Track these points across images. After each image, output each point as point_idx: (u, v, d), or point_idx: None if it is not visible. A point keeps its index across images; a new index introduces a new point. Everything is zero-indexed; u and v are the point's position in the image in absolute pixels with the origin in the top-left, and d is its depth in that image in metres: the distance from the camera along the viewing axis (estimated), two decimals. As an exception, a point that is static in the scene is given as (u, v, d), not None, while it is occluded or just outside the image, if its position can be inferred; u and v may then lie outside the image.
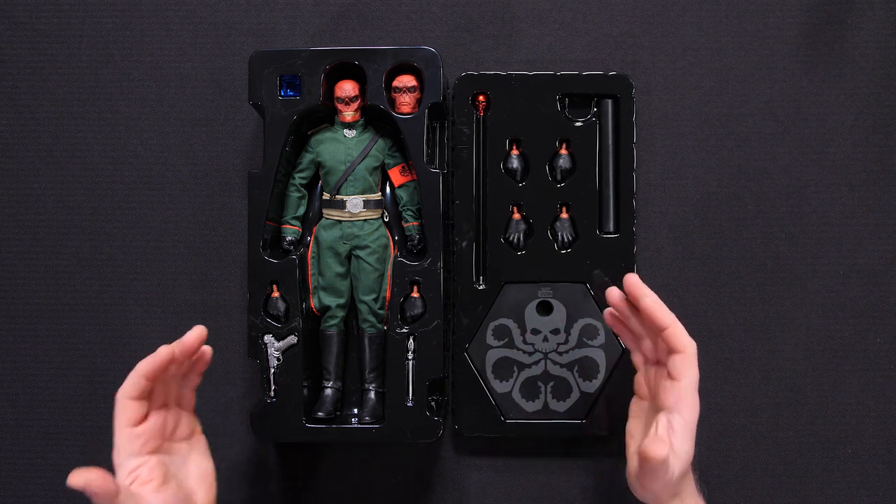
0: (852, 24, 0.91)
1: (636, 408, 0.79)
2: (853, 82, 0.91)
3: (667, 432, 0.71)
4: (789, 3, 0.91)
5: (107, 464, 0.92)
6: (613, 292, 0.78)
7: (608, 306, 0.80)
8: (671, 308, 0.90)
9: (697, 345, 0.90)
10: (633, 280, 0.75)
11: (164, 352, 0.71)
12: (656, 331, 0.74)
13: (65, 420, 0.92)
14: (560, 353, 0.88)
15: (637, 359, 0.79)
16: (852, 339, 0.90)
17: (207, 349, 0.76)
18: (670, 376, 0.73)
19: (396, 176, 0.87)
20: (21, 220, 0.92)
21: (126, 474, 0.70)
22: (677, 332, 0.73)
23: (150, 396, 0.72)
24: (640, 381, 0.78)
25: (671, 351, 0.73)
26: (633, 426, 0.78)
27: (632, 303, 0.76)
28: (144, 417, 0.71)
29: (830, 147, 0.91)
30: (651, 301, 0.74)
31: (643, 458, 0.68)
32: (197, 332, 0.73)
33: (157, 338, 0.91)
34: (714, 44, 0.91)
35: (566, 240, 0.88)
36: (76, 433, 0.91)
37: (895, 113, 0.91)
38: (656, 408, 0.75)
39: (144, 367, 0.70)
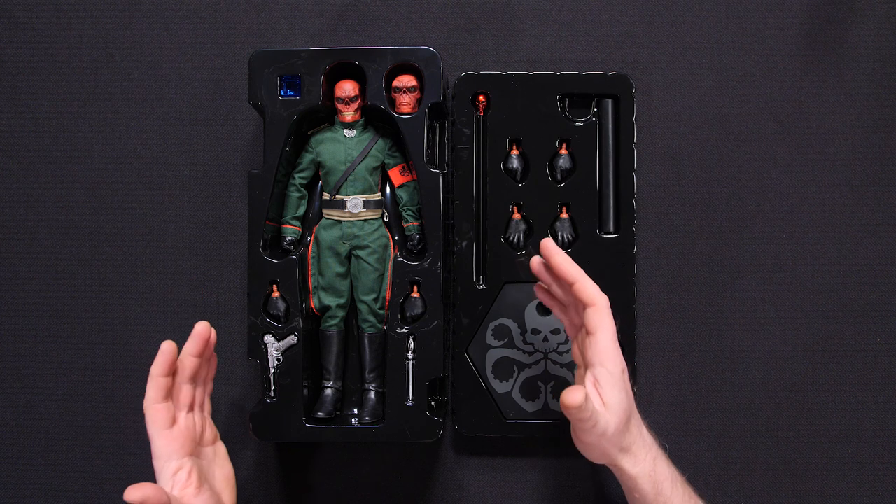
0: (852, 24, 0.91)
1: (579, 379, 0.78)
2: (853, 82, 0.91)
3: (594, 386, 0.72)
4: (789, 3, 0.91)
5: (109, 464, 0.93)
6: (534, 261, 0.79)
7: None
8: (671, 308, 0.91)
9: (697, 344, 0.91)
10: (545, 243, 0.77)
11: (166, 346, 0.75)
12: (567, 284, 0.75)
13: (65, 420, 0.92)
14: (560, 353, 0.88)
15: (568, 327, 0.80)
16: (852, 339, 0.90)
17: (214, 355, 0.81)
18: (588, 332, 0.74)
19: (396, 176, 0.87)
20: (21, 220, 0.92)
21: (168, 477, 0.72)
22: (586, 285, 0.74)
23: (174, 398, 0.75)
24: (574, 350, 0.79)
25: (584, 306, 0.74)
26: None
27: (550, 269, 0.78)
28: (174, 420, 0.74)
29: (830, 147, 0.91)
30: (560, 259, 0.75)
31: (564, 409, 0.69)
32: (202, 325, 0.77)
33: (157, 338, 0.91)
34: (714, 44, 0.91)
35: (566, 240, 0.88)
36: (76, 433, 0.91)
37: (895, 113, 0.91)
38: (586, 368, 0.75)
39: (156, 367, 0.74)
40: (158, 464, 0.73)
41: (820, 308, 0.90)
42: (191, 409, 0.77)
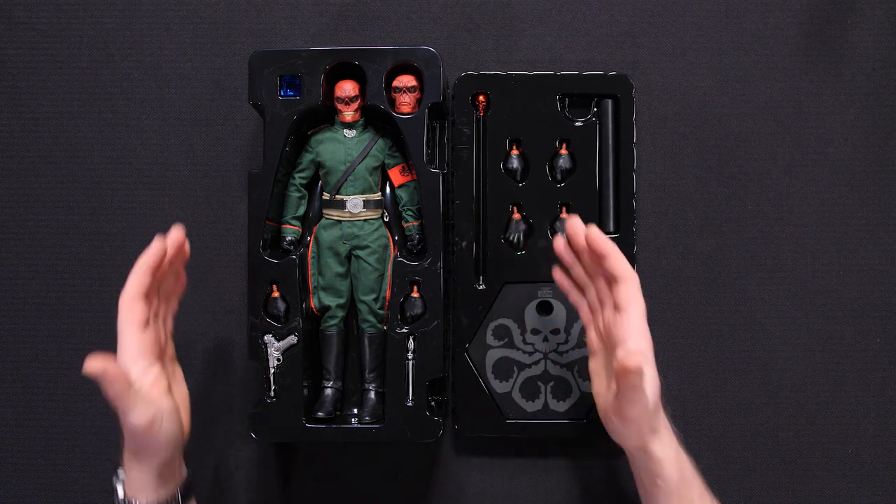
0: (852, 24, 0.91)
1: (595, 366, 0.78)
2: (853, 82, 0.91)
3: None
4: (789, 3, 0.91)
5: (109, 464, 0.92)
6: (559, 241, 0.79)
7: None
8: (671, 308, 0.91)
9: (697, 344, 0.91)
10: (573, 221, 0.76)
11: (159, 242, 0.74)
12: (599, 260, 0.74)
13: (65, 420, 0.92)
14: (560, 353, 0.88)
15: (585, 313, 0.79)
16: (852, 339, 0.90)
17: (183, 274, 0.80)
18: (617, 308, 0.73)
19: (396, 176, 0.87)
20: (21, 220, 0.92)
21: (135, 375, 0.71)
22: (619, 259, 0.73)
23: (149, 301, 0.74)
24: (591, 336, 0.78)
25: (615, 281, 0.73)
26: (598, 385, 0.77)
27: (575, 249, 0.77)
28: (147, 322, 0.73)
29: (830, 147, 0.91)
30: (594, 232, 0.74)
31: (621, 373, 0.67)
32: (177, 229, 0.76)
33: (157, 338, 0.91)
34: (714, 44, 0.91)
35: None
36: (76, 433, 0.91)
37: (895, 113, 0.91)
38: (611, 349, 0.74)
39: (145, 261, 0.73)
40: (126, 359, 0.71)
41: (820, 308, 0.90)
42: (157, 317, 0.75)
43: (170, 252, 0.75)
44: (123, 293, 0.72)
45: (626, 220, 0.88)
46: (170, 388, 0.73)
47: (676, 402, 0.90)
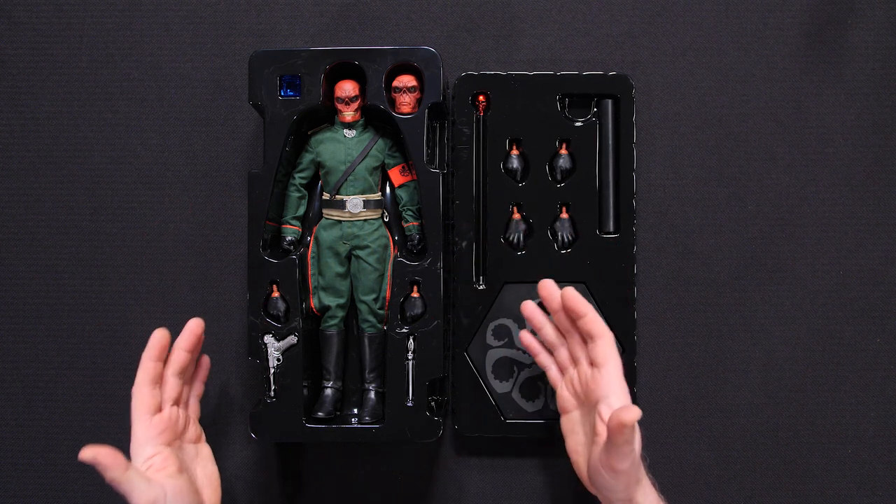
0: (852, 24, 0.91)
1: (568, 424, 0.79)
2: (853, 82, 0.91)
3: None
4: (789, 3, 0.91)
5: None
6: (527, 304, 0.82)
7: (606, 307, 0.84)
8: (671, 308, 0.91)
9: (697, 344, 0.91)
10: (547, 284, 0.79)
11: (159, 333, 0.77)
12: (575, 319, 0.76)
13: (65, 420, 0.92)
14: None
15: (554, 374, 0.81)
16: (852, 339, 0.90)
17: (205, 358, 0.84)
18: (595, 364, 0.75)
19: (396, 176, 0.87)
20: (21, 220, 0.92)
21: (142, 461, 0.73)
22: (596, 318, 0.76)
23: (162, 386, 0.77)
24: (562, 395, 0.80)
25: (591, 339, 0.75)
26: (573, 442, 0.78)
27: (546, 309, 0.80)
28: (159, 408, 0.76)
29: (830, 147, 0.91)
30: (569, 293, 0.77)
31: (617, 429, 0.67)
32: (195, 321, 0.80)
33: (157, 338, 0.91)
34: (714, 44, 0.91)
35: (566, 240, 0.88)
36: (76, 433, 0.91)
37: (895, 113, 0.91)
38: (589, 406, 0.75)
39: (147, 352, 0.76)
40: (135, 448, 0.74)
41: (820, 308, 0.90)
42: (176, 403, 0.78)
43: (188, 342, 0.78)
44: (134, 386, 0.76)
45: (626, 220, 0.88)
46: (181, 470, 0.74)
47: (676, 402, 0.90)
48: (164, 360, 0.77)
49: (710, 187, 0.91)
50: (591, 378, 0.75)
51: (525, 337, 0.83)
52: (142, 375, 0.76)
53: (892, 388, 0.90)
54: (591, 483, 0.75)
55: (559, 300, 0.78)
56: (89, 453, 0.67)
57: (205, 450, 0.81)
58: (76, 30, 0.92)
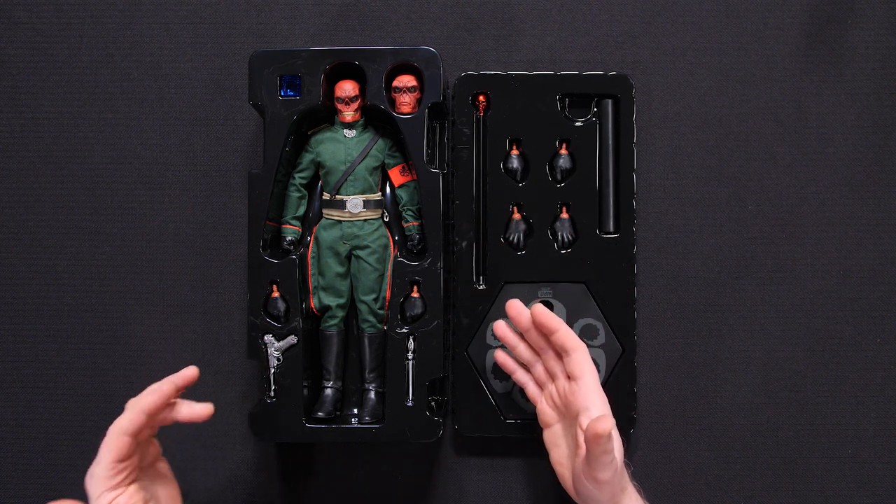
0: (852, 24, 0.91)
1: (551, 438, 0.80)
2: (853, 82, 0.91)
3: None
4: (789, 3, 0.91)
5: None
6: (498, 324, 0.82)
7: (606, 307, 0.84)
8: (671, 308, 0.91)
9: (697, 344, 0.91)
10: (514, 304, 0.80)
11: (168, 388, 0.72)
12: (548, 335, 0.77)
13: (65, 420, 0.92)
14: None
15: (532, 390, 0.82)
16: (852, 339, 0.90)
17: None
18: (572, 377, 0.75)
19: (396, 176, 0.87)
20: (21, 220, 0.92)
21: (107, 500, 0.70)
22: (568, 332, 0.77)
23: (139, 434, 0.72)
24: (543, 409, 0.80)
25: (566, 353, 0.76)
26: (557, 455, 0.79)
27: (518, 330, 0.80)
28: (132, 454, 0.72)
29: (830, 147, 0.91)
30: (538, 309, 0.78)
31: (594, 440, 0.68)
32: (193, 370, 0.76)
33: (157, 338, 0.91)
34: (714, 44, 0.91)
35: (566, 240, 0.88)
36: (76, 433, 0.91)
37: (895, 113, 0.91)
38: (570, 419, 0.76)
39: (147, 404, 0.71)
40: (96, 489, 0.70)
41: (820, 308, 0.90)
42: (145, 439, 0.75)
43: (177, 389, 0.74)
44: (115, 425, 0.71)
45: (626, 220, 0.88)
46: (146, 502, 0.72)
47: (676, 402, 0.90)
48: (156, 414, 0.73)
49: (710, 187, 0.91)
50: (569, 391, 0.76)
51: (500, 356, 0.84)
52: (128, 425, 0.70)
53: (892, 388, 0.90)
54: (576, 494, 0.76)
55: (528, 318, 0.78)
56: None
57: (163, 467, 0.77)
58: (76, 30, 0.92)
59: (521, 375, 0.83)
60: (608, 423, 0.68)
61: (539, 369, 0.81)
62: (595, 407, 0.74)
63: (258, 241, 0.84)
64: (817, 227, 0.90)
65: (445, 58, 0.90)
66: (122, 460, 0.71)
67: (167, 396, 0.73)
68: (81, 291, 0.92)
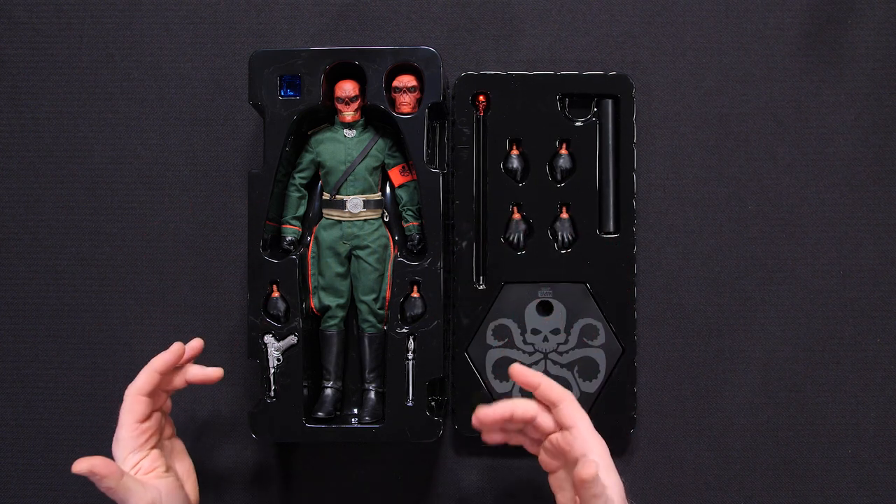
0: (852, 24, 0.91)
1: (556, 482, 0.78)
2: (853, 82, 0.91)
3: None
4: (789, 3, 0.91)
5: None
6: (478, 415, 0.76)
7: (606, 307, 0.84)
8: (671, 308, 0.91)
9: (697, 344, 0.91)
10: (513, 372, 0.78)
11: (177, 347, 0.77)
12: (531, 390, 0.76)
13: (65, 420, 0.92)
14: (560, 353, 0.88)
15: (530, 446, 0.79)
16: (852, 339, 0.90)
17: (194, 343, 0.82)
18: (566, 427, 0.74)
19: (396, 176, 0.87)
20: (21, 220, 0.92)
21: (130, 466, 0.74)
22: (551, 384, 0.75)
23: (154, 395, 0.77)
24: (544, 459, 0.78)
25: (553, 406, 0.75)
26: (563, 498, 0.77)
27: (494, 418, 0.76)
28: (150, 415, 0.77)
29: (830, 147, 0.91)
30: (517, 369, 0.77)
31: (580, 485, 0.68)
32: (199, 341, 0.81)
33: (157, 338, 0.91)
34: (714, 44, 0.91)
35: (566, 240, 0.88)
36: (76, 433, 0.91)
37: (895, 113, 0.91)
38: (571, 465, 0.75)
39: (159, 362, 0.77)
40: (121, 452, 0.75)
41: (820, 308, 0.90)
42: (160, 407, 0.79)
43: (186, 357, 0.79)
44: (130, 387, 0.76)
45: (626, 220, 0.88)
46: (168, 468, 0.76)
47: (676, 402, 0.90)
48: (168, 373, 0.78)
49: (710, 187, 0.91)
50: (563, 441, 0.74)
51: (488, 440, 0.79)
52: (143, 384, 0.76)
53: (892, 388, 0.90)
54: None
55: (511, 373, 0.77)
56: (84, 465, 0.69)
57: (178, 444, 0.82)
58: (76, 30, 0.92)
59: (515, 439, 0.79)
60: (592, 468, 0.68)
61: (530, 428, 0.78)
62: (593, 452, 0.72)
63: (258, 241, 0.84)
64: (817, 227, 0.90)
65: (445, 58, 0.90)
66: (142, 421, 0.75)
67: (177, 355, 0.77)
68: (81, 291, 0.92)
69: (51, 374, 0.92)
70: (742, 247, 0.90)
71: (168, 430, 0.81)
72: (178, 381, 0.79)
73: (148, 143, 0.92)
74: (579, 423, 0.74)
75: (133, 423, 0.75)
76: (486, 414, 0.76)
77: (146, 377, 0.76)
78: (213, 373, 0.79)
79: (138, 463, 0.75)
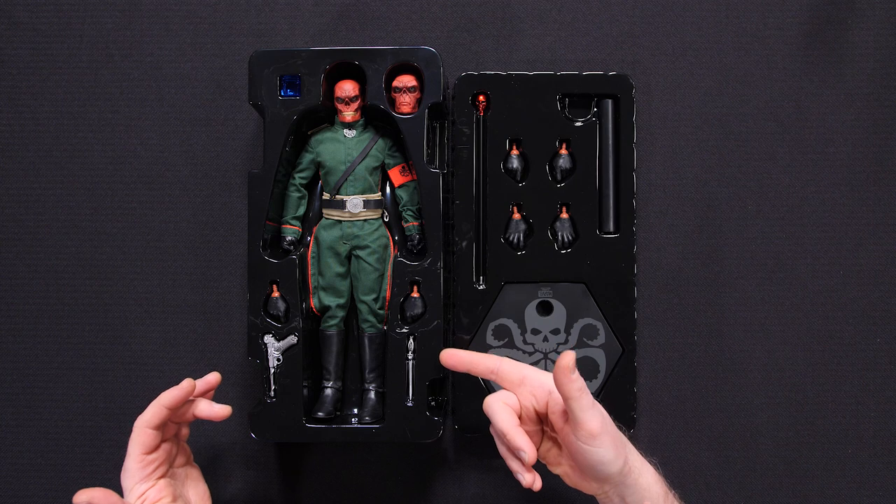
0: (852, 24, 0.91)
1: (565, 470, 0.76)
2: (853, 82, 0.91)
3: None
4: (789, 3, 0.91)
5: (109, 464, 0.93)
6: (445, 355, 0.78)
7: (606, 307, 0.84)
8: (671, 308, 0.91)
9: (698, 344, 0.91)
10: (445, 355, 0.78)
11: (187, 384, 0.77)
12: (476, 372, 0.76)
13: (65, 420, 0.92)
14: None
15: (531, 451, 0.74)
16: (852, 339, 0.90)
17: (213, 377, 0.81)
18: (515, 384, 0.74)
19: (396, 176, 0.87)
20: (21, 220, 0.92)
21: (135, 498, 0.75)
22: (482, 359, 0.76)
23: (164, 427, 0.77)
24: (549, 455, 0.76)
25: (495, 374, 0.75)
26: (558, 461, 0.76)
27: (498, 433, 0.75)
28: (158, 446, 0.77)
29: (830, 147, 0.91)
30: (446, 354, 0.77)
31: (562, 375, 0.68)
32: (216, 375, 0.80)
33: (157, 338, 0.91)
34: (714, 44, 0.91)
35: (566, 240, 0.88)
36: (76, 433, 0.91)
37: (895, 113, 0.91)
38: (558, 430, 0.73)
39: (168, 398, 0.76)
40: (129, 482, 0.75)
41: (820, 308, 0.90)
42: (171, 437, 0.79)
43: (198, 391, 0.79)
44: (139, 419, 0.76)
45: (626, 220, 0.88)
46: (175, 498, 0.76)
47: (676, 402, 0.90)
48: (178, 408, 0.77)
49: (710, 187, 0.91)
50: (564, 418, 0.72)
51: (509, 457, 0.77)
52: (151, 418, 0.76)
53: (892, 388, 0.90)
54: (583, 475, 0.73)
55: (461, 362, 0.77)
56: (84, 497, 0.69)
57: (193, 472, 0.82)
58: (76, 30, 0.92)
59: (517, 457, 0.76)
60: (568, 355, 0.67)
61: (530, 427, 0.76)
62: (550, 378, 0.72)
63: (258, 241, 0.84)
64: (817, 227, 0.91)
65: (445, 58, 0.90)
66: (148, 453, 0.76)
67: (187, 392, 0.77)
68: (81, 291, 0.92)
69: (51, 374, 0.92)
70: (742, 247, 0.90)
71: (181, 459, 0.80)
72: (188, 414, 0.79)
73: (148, 143, 0.92)
74: (525, 370, 0.74)
75: (140, 454, 0.75)
76: (451, 356, 0.77)
77: (154, 411, 0.76)
78: (220, 411, 0.78)
79: (144, 493, 0.75)
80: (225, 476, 0.91)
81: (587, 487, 0.75)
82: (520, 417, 0.75)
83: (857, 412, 0.90)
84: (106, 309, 0.92)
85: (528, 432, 0.74)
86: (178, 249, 0.92)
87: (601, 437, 0.70)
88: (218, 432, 0.91)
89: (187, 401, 0.78)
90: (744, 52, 0.91)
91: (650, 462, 0.75)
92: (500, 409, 0.74)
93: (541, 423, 0.76)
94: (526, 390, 0.74)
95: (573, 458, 0.73)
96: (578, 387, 0.68)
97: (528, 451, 0.72)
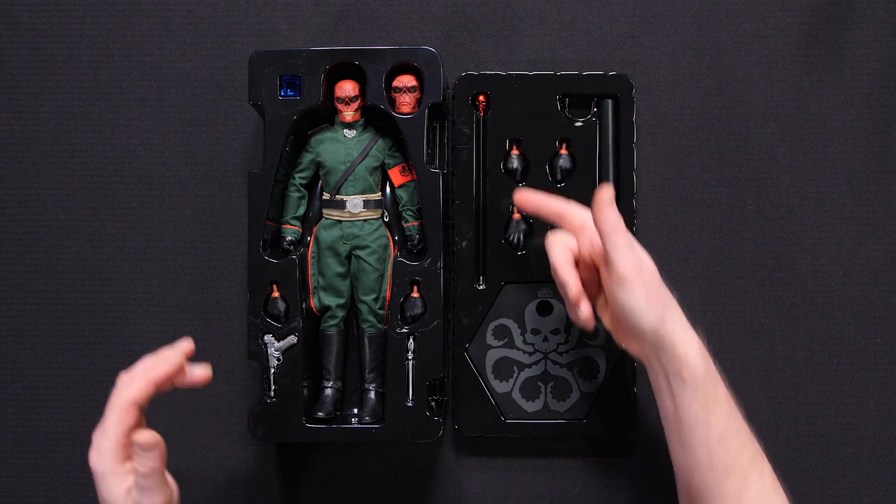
0: (852, 24, 0.91)
1: (605, 318, 0.77)
2: (853, 82, 0.91)
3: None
4: (789, 3, 0.91)
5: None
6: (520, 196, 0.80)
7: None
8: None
9: (697, 345, 0.90)
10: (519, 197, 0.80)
11: (178, 359, 0.71)
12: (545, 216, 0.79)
13: (65, 420, 0.92)
14: (560, 353, 0.88)
15: (583, 304, 0.75)
16: (852, 339, 0.90)
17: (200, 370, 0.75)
18: (602, 234, 0.72)
19: (396, 176, 0.87)
20: (21, 220, 0.92)
21: (121, 477, 0.68)
22: (552, 203, 0.79)
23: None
24: (596, 306, 0.77)
25: (561, 219, 0.78)
26: (605, 312, 0.77)
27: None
28: (138, 426, 0.70)
29: (830, 147, 0.91)
30: (520, 196, 0.80)
31: (598, 208, 0.68)
32: (187, 342, 0.73)
33: (157, 338, 0.91)
34: (714, 44, 0.91)
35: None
36: (76, 433, 0.91)
37: (895, 113, 0.91)
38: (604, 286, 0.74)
39: (156, 373, 0.70)
40: (107, 464, 0.68)
41: (820, 308, 0.90)
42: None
43: (178, 363, 0.72)
44: (121, 396, 0.70)
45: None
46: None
47: (676, 402, 0.90)
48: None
49: (710, 187, 0.91)
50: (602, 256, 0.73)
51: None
52: (137, 394, 0.68)
53: (892, 388, 0.90)
54: (620, 327, 0.73)
55: (532, 203, 0.79)
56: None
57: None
58: (76, 30, 0.92)
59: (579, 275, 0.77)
60: (608, 189, 0.67)
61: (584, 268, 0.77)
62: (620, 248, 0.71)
63: (258, 241, 0.84)
64: (817, 227, 0.90)
65: (445, 58, 0.90)
66: (129, 432, 0.69)
67: (177, 368, 0.71)
68: (81, 291, 0.92)
69: (51, 374, 0.92)
70: (742, 247, 0.90)
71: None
72: (166, 385, 0.72)
73: (147, 143, 0.92)
74: (587, 216, 0.75)
75: (123, 434, 0.69)
76: (523, 197, 0.80)
77: (141, 387, 0.69)
78: (201, 374, 0.72)
79: (128, 473, 0.68)
80: (225, 476, 0.91)
81: (629, 345, 0.74)
82: (578, 263, 0.76)
83: (857, 412, 0.90)
84: (106, 309, 0.92)
85: (583, 278, 0.75)
86: (178, 249, 0.92)
87: (631, 282, 0.69)
88: (218, 432, 0.91)
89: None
90: (743, 52, 0.91)
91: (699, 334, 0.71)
92: (558, 246, 0.76)
93: (598, 273, 0.76)
94: (585, 236, 0.75)
95: (610, 304, 0.73)
96: (612, 223, 0.68)
97: (573, 284, 0.73)
